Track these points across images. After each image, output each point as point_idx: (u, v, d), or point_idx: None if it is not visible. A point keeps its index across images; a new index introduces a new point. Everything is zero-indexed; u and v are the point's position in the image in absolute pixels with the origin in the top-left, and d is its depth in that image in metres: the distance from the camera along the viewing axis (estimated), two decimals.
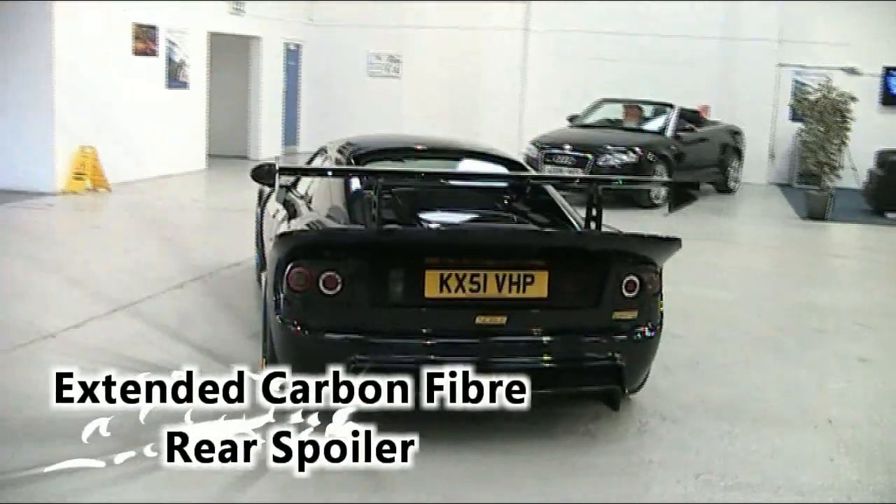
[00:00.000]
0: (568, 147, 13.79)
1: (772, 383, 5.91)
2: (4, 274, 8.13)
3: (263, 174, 5.46)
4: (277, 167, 5.00)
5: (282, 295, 4.73)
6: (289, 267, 4.66)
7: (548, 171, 13.58)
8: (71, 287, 7.61)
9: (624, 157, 13.46)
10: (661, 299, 5.15)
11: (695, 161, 14.61)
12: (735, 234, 12.44)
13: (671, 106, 14.63)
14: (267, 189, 7.10)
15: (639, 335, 4.97)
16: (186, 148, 16.06)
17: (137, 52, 14.59)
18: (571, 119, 15.43)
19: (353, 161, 5.91)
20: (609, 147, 13.59)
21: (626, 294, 4.90)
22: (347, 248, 4.74)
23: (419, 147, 6.37)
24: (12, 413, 4.90)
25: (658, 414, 5.30)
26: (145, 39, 14.74)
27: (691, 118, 14.87)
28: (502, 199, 5.68)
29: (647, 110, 15.09)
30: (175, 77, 15.67)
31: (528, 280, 4.76)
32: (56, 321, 6.52)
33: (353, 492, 4.17)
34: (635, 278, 4.92)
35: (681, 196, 5.50)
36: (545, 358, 4.82)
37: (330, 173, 5.67)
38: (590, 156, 13.45)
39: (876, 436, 5.13)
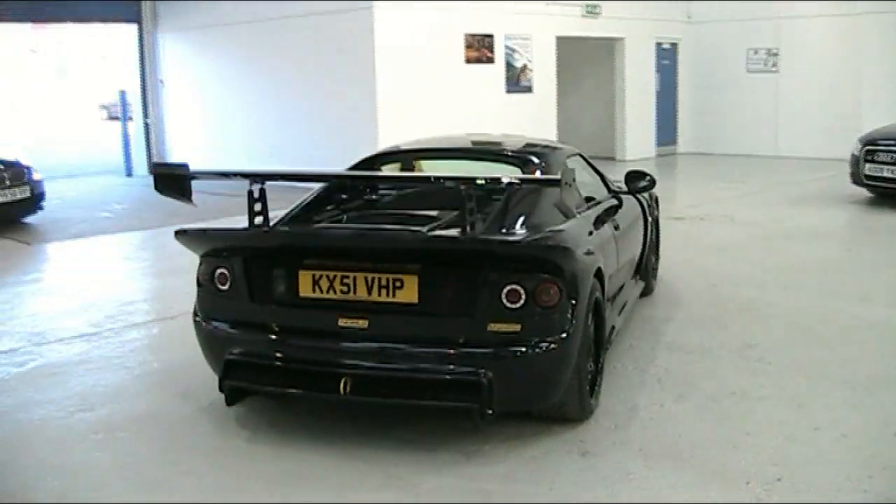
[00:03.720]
0: (890, 143, 11.71)
1: (781, 428, 4.62)
2: None
3: None
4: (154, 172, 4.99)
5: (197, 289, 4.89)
6: (199, 263, 4.82)
7: (867, 169, 11.71)
8: None
9: None
10: (572, 313, 4.36)
11: None
12: None
13: None
14: None
15: (521, 351, 4.26)
16: None
17: (470, 61, 15.16)
18: None
19: (362, 165, 5.84)
20: None
21: (508, 305, 4.24)
22: (231, 246, 4.74)
23: (426, 148, 6.05)
24: None
25: (579, 444, 4.48)
26: (479, 48, 15.28)
27: None
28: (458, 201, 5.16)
29: None
30: (516, 82, 16.02)
31: (398, 284, 4.35)
32: None
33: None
34: (519, 288, 4.23)
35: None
36: (393, 366, 4.36)
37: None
38: None
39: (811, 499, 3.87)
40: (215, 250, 4.76)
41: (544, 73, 16.41)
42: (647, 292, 7.19)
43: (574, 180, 4.63)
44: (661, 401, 5.05)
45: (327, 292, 4.44)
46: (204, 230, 4.79)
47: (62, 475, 4.35)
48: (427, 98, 14.28)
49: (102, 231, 11.21)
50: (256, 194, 4.74)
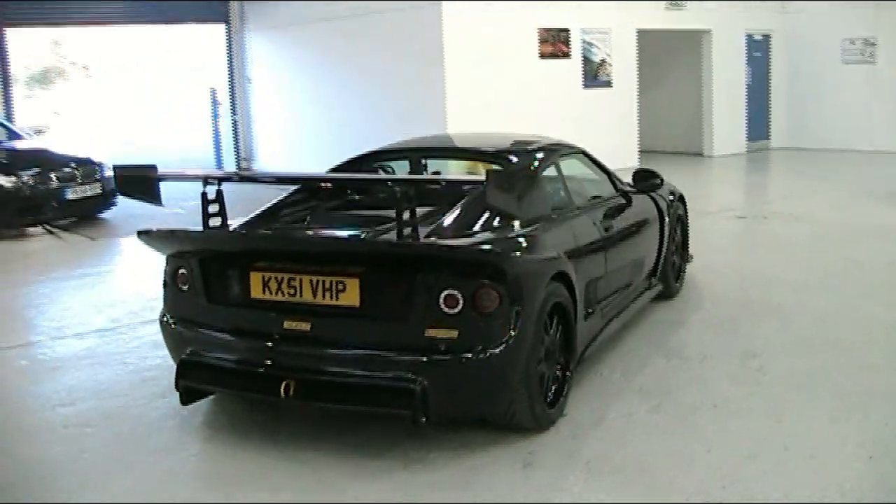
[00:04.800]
0: None
1: (747, 444, 4.29)
2: None
3: None
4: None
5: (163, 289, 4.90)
6: (165, 263, 4.85)
7: None
8: None
9: None
10: (517, 320, 4.16)
11: None
12: None
13: None
14: None
15: (458, 359, 4.08)
16: (611, 145, 15.73)
17: (545, 56, 14.88)
18: None
19: (348, 164, 5.76)
20: None
21: (446, 310, 4.08)
22: (186, 248, 4.73)
23: (412, 148, 5.91)
24: None
25: (526, 455, 4.24)
26: (554, 42, 14.98)
27: None
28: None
29: None
30: (594, 76, 15.64)
31: (340, 287, 4.25)
32: None
33: None
34: (457, 294, 4.07)
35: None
36: (331, 370, 4.25)
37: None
38: None
39: None
40: (179, 251, 4.75)
41: (625, 68, 15.97)
42: (668, 295, 6.86)
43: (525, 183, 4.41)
44: (633, 411, 4.79)
45: (276, 294, 4.38)
46: (171, 231, 4.79)
47: (15, 467, 4.42)
48: (499, 94, 14.06)
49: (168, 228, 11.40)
50: (213, 196, 4.71)
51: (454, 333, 4.08)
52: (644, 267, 6.32)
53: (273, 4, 16.79)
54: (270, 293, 4.39)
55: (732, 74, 17.89)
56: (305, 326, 4.31)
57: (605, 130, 15.50)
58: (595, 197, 5.93)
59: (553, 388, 4.63)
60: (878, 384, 5.08)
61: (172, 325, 4.79)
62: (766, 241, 9.46)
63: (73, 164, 11.22)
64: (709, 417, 4.69)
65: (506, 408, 4.30)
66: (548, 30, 14.84)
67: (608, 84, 15.80)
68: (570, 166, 5.93)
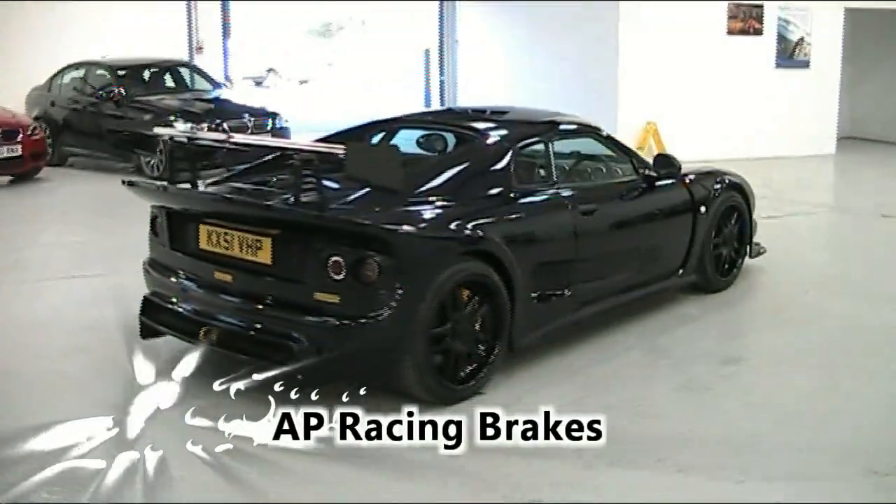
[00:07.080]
0: None
1: (606, 453, 4.06)
2: None
3: None
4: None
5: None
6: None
7: None
8: None
9: None
10: (403, 293, 4.18)
11: None
12: None
13: None
14: None
15: (335, 324, 4.19)
16: (803, 130, 14.63)
17: (733, 32, 14.04)
18: None
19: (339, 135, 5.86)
20: None
21: (332, 276, 4.20)
22: (153, 200, 5.08)
23: (409, 117, 5.95)
24: None
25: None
26: (746, 19, 14.08)
27: None
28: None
29: None
30: (790, 56, 14.56)
31: (258, 245, 4.52)
32: None
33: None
34: (340, 260, 4.17)
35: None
36: (234, 321, 4.52)
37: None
38: None
39: None
40: (155, 202, 5.10)
41: (826, 47, 14.67)
42: (709, 288, 6.43)
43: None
44: (548, 402, 4.57)
45: (215, 246, 4.68)
46: (142, 183, 5.17)
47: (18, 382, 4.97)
48: (678, 71, 13.50)
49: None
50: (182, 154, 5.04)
51: (336, 299, 4.19)
52: (661, 256, 5.99)
53: None
54: (212, 245, 4.69)
55: None
56: (229, 278, 4.57)
57: (797, 114, 14.42)
58: (602, 181, 5.73)
59: (473, 365, 4.58)
60: (830, 409, 4.58)
61: (147, 268, 5.16)
62: (886, 244, 8.52)
63: (246, 115, 11.92)
64: (616, 419, 4.41)
65: (396, 378, 4.32)
66: (739, 5, 13.96)
67: (805, 65, 14.64)
68: (583, 146, 5.78)
